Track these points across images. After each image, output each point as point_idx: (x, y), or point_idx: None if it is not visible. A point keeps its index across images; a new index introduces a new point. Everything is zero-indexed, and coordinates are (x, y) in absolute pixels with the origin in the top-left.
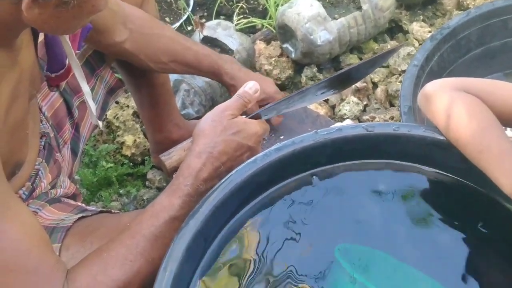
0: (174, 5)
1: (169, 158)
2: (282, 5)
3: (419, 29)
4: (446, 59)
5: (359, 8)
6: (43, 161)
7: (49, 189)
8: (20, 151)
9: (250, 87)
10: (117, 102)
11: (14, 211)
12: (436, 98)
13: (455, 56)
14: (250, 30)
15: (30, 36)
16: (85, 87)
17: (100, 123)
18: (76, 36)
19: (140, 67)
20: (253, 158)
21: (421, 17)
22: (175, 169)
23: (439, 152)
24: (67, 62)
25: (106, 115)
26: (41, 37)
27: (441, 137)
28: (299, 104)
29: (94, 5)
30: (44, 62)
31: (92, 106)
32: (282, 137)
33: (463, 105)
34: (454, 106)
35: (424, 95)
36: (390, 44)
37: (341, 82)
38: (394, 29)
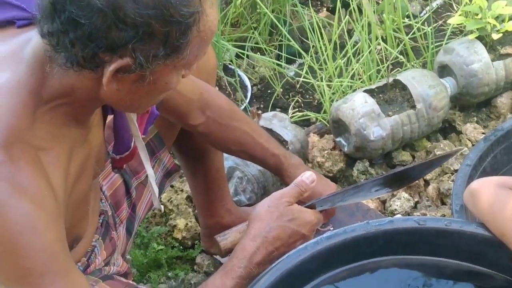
0: (232, 96)
1: (224, 239)
2: (336, 100)
3: (472, 130)
4: (500, 160)
5: (413, 106)
6: (100, 238)
7: (103, 266)
8: (80, 225)
9: (307, 176)
10: (172, 186)
11: (74, 280)
12: (482, 195)
13: (509, 158)
14: (304, 123)
15: (100, 117)
16: (150, 170)
17: (162, 207)
18: (143, 121)
19: (209, 145)
20: (303, 245)
21: (475, 118)
22: (229, 250)
23: (491, 250)
24: (132, 145)
25: (160, 198)
26: (107, 119)
27: (493, 235)
28: (353, 199)
29: (167, 82)
30: (109, 143)
31: (155, 189)
32: (332, 228)
33: (509, 201)
34: (499, 203)
35: (470, 192)
36: (443, 143)
37: (397, 181)
38: (448, 129)
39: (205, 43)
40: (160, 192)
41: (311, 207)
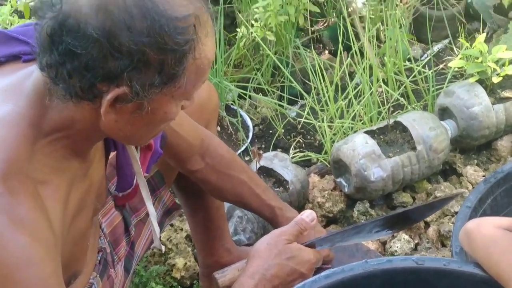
0: (234, 136)
1: (223, 276)
2: (337, 141)
3: (473, 172)
4: (500, 202)
5: (414, 148)
6: (98, 275)
7: None
8: (79, 262)
9: (307, 215)
10: (171, 225)
11: None
12: (477, 235)
13: (509, 200)
14: (305, 164)
15: (102, 153)
16: (151, 209)
17: (163, 247)
18: (146, 159)
19: (206, 191)
20: (301, 283)
21: (476, 161)
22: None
23: None
24: (134, 182)
25: (160, 236)
26: (110, 156)
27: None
28: (353, 239)
29: (166, 112)
30: (109, 181)
31: (157, 228)
32: (330, 267)
33: (505, 243)
34: (494, 244)
35: (465, 232)
36: (443, 185)
37: (397, 222)
38: (448, 171)
39: (202, 71)
40: (160, 231)
41: (311, 246)
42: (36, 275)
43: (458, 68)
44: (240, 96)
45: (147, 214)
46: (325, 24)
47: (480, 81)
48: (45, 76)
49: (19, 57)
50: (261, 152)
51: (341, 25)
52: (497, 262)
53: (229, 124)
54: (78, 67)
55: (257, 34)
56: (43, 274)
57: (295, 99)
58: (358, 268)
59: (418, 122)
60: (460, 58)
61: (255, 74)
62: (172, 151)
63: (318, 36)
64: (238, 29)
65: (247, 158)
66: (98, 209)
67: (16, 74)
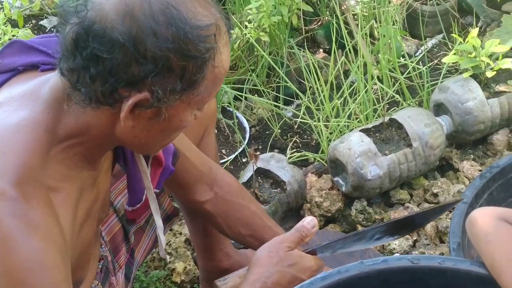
0: (231, 138)
1: (224, 284)
2: (334, 140)
3: (469, 167)
4: (496, 197)
5: (410, 145)
6: (99, 283)
7: None
8: (83, 270)
9: (308, 221)
10: (170, 229)
11: None
12: (479, 224)
13: (505, 195)
14: (302, 163)
15: (110, 164)
16: (159, 222)
17: (168, 257)
18: (156, 175)
19: (215, 229)
20: (299, 286)
21: (472, 156)
22: None
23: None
24: (143, 198)
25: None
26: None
27: (486, 272)
28: (355, 246)
29: (182, 120)
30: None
31: (163, 240)
32: (331, 268)
33: (502, 235)
34: (493, 234)
35: (469, 220)
36: (440, 181)
37: (399, 228)
38: (445, 166)
39: (218, 80)
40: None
41: (312, 253)
42: (49, 281)
43: (453, 63)
44: (236, 98)
45: (146, 222)
46: (319, 23)
47: (474, 76)
48: (66, 81)
49: (37, 66)
50: (257, 153)
51: (335, 24)
52: (492, 252)
53: (225, 126)
54: (102, 72)
55: (251, 36)
56: (55, 280)
57: (291, 99)
58: (354, 269)
59: (413, 119)
60: (454, 53)
61: (250, 75)
62: (180, 177)
63: (312, 35)
64: (232, 31)
65: (244, 160)
66: (102, 219)
67: (33, 81)
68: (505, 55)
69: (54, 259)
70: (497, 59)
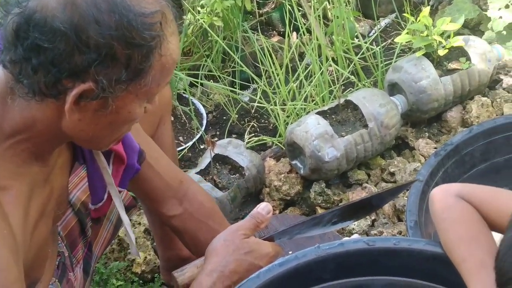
0: (188, 125)
1: (182, 274)
2: (291, 123)
3: (425, 145)
4: (451, 174)
5: (365, 126)
6: (57, 280)
7: None
8: (39, 269)
9: (263, 207)
10: (130, 220)
11: None
12: (437, 201)
13: (460, 171)
14: (260, 148)
15: (67, 162)
16: (125, 218)
17: (140, 254)
18: (119, 172)
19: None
20: (256, 274)
21: (427, 134)
22: (187, 286)
23: (441, 266)
24: (105, 196)
25: (118, 234)
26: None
27: (441, 251)
28: (313, 231)
29: (130, 111)
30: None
31: (132, 237)
32: (290, 252)
33: (456, 212)
34: (448, 212)
35: (430, 196)
36: (397, 160)
37: (356, 211)
38: (401, 145)
39: (167, 71)
40: (118, 229)
41: (270, 239)
42: (1, 282)
43: (406, 42)
44: (191, 84)
45: (104, 215)
46: (273, 6)
47: (427, 55)
48: (8, 74)
49: None
50: (214, 140)
51: (288, 6)
52: (446, 230)
53: (182, 113)
54: (44, 62)
55: (204, 21)
56: (7, 281)
57: (247, 84)
58: (311, 253)
59: (368, 100)
60: (406, 33)
61: (205, 61)
62: (146, 187)
63: (266, 18)
64: (184, 17)
65: (202, 147)
66: (59, 217)
67: None
68: (457, 33)
69: (5, 260)
70: (449, 37)
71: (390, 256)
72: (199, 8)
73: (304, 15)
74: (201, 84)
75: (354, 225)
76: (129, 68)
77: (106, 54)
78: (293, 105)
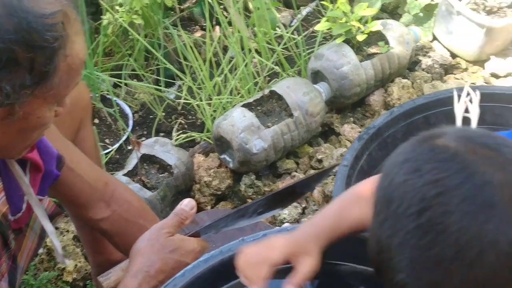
0: (113, 126)
1: (107, 279)
2: (218, 118)
3: (350, 130)
4: (375, 157)
5: (291, 115)
6: None
7: None
8: None
9: (186, 204)
10: (56, 228)
11: None
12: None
13: (383, 154)
14: (189, 145)
15: None
16: (49, 227)
17: (67, 262)
18: (36, 181)
19: (113, 246)
20: (181, 272)
21: (352, 119)
22: None
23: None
24: (24, 206)
25: (45, 242)
26: None
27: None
28: (239, 223)
29: (40, 117)
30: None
31: (58, 245)
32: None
33: (361, 201)
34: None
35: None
36: (324, 146)
37: (282, 199)
38: (328, 132)
39: (74, 72)
40: (43, 238)
41: (196, 235)
42: None
43: (327, 29)
44: (115, 85)
45: (27, 225)
46: (193, 1)
47: (347, 41)
48: None
49: None
50: (140, 140)
51: (208, 0)
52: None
53: (107, 115)
54: None
55: (123, 20)
56: None
57: (172, 81)
58: (236, 247)
59: (292, 89)
60: (326, 20)
61: (128, 60)
62: (70, 193)
63: (188, 14)
64: (103, 16)
65: (129, 147)
66: None
67: None
68: (376, 17)
69: None
70: (366, 22)
71: None
72: (117, 7)
73: (225, 8)
74: (125, 84)
75: (285, 214)
76: (33, 72)
77: (8, 59)
78: (219, 99)
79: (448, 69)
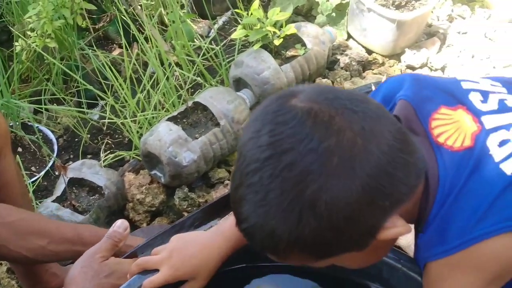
0: (38, 153)
1: None
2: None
3: None
4: None
5: (217, 124)
6: None
7: None
8: None
9: (119, 225)
10: None
11: None
12: None
13: None
14: (119, 164)
15: None
16: None
17: None
18: None
19: (13, 260)
20: None
21: None
22: None
23: None
24: None
25: None
26: None
27: None
28: None
29: None
30: None
31: None
32: None
33: None
34: None
35: None
36: None
37: (217, 210)
38: None
39: None
40: None
41: (132, 256)
42: None
43: (244, 37)
44: (36, 111)
45: None
46: (107, 20)
47: (265, 46)
48: None
49: None
50: (69, 163)
51: (121, 18)
52: None
53: (30, 143)
54: None
55: (36, 45)
56: None
57: (95, 101)
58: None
59: (216, 98)
60: (242, 28)
61: (46, 85)
62: None
63: (103, 33)
64: (15, 43)
65: (56, 173)
66: None
67: None
68: (291, 21)
69: None
70: (281, 26)
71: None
72: (29, 32)
73: (141, 24)
74: (46, 109)
75: None
76: None
77: None
78: (143, 115)
79: (365, 65)
